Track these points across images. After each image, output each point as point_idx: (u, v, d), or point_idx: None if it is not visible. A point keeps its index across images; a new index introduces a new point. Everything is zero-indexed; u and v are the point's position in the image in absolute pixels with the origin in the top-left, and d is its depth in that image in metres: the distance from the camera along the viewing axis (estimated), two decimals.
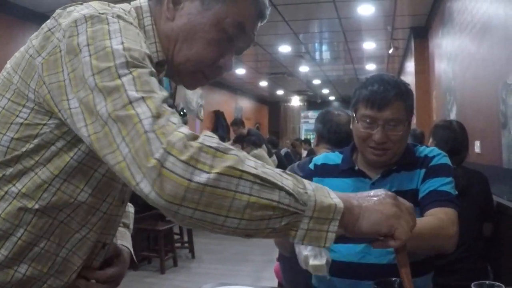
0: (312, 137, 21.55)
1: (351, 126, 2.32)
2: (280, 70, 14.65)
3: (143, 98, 1.11)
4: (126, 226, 1.76)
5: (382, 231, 1.22)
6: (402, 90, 2.20)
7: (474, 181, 3.45)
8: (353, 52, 12.04)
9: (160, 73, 1.43)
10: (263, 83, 17.45)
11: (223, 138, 10.38)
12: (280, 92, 20.08)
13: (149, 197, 1.05)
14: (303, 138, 18.51)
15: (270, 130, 21.28)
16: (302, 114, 22.44)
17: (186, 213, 1.06)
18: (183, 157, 1.05)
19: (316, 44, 11.94)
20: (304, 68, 14.46)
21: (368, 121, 2.19)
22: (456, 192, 2.21)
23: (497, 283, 1.65)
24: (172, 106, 11.79)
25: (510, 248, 3.22)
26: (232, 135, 12.29)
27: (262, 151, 10.04)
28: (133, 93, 1.12)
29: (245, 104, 19.61)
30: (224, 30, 1.41)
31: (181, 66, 1.45)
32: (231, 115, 16.40)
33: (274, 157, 11.05)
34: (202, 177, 1.04)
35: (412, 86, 9.33)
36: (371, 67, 13.84)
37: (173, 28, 1.42)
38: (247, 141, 10.29)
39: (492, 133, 4.00)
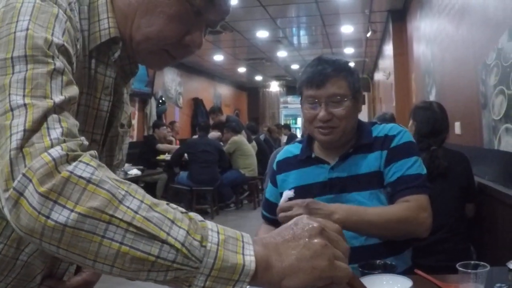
0: (292, 122, 21.62)
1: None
2: (258, 55, 14.63)
3: (25, 105, 0.94)
4: None
5: (318, 285, 1.01)
6: (341, 67, 2.22)
7: (455, 162, 3.45)
8: (331, 36, 12.05)
9: (114, 52, 1.28)
10: (242, 69, 17.41)
11: (207, 126, 10.32)
12: (258, 78, 20.06)
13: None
14: (282, 123, 18.54)
15: (250, 116, 21.28)
16: (281, 100, 22.44)
17: (50, 249, 0.90)
18: (42, 189, 0.87)
19: (294, 29, 11.92)
20: (282, 53, 14.44)
21: (310, 100, 2.22)
22: (425, 171, 2.20)
23: (482, 263, 1.65)
24: (150, 94, 11.74)
25: (492, 227, 3.24)
26: (210, 123, 12.28)
27: (241, 137, 10.06)
28: (17, 98, 0.95)
29: (224, 90, 19.57)
30: (189, 2, 1.23)
31: (141, 46, 1.27)
32: (210, 102, 16.38)
33: (254, 142, 11.06)
34: (61, 216, 0.87)
35: (391, 69, 9.44)
36: (349, 51, 13.87)
37: (130, 2, 1.24)
38: (226, 128, 10.30)
39: (472, 114, 4.01)
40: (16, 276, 1.28)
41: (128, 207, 0.91)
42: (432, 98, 6.05)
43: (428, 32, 6.41)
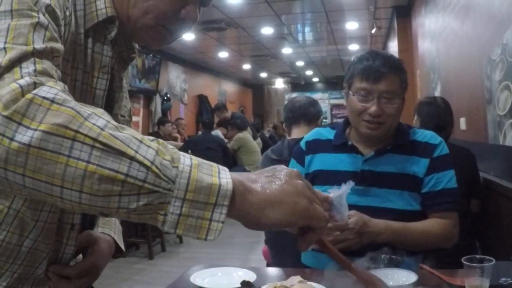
0: None
1: (344, 103, 2.36)
2: (263, 52, 14.58)
3: (5, 49, 0.96)
4: None
5: (299, 223, 1.02)
6: (396, 64, 2.24)
7: (461, 158, 3.45)
8: (335, 32, 12.01)
9: (111, 31, 1.31)
10: (246, 66, 17.39)
11: (211, 122, 10.34)
12: (263, 74, 20.04)
13: None
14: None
15: (255, 113, 21.27)
16: (286, 96, 22.33)
17: (16, 179, 0.88)
18: (6, 112, 0.86)
19: (299, 26, 11.88)
20: (287, 50, 14.41)
21: (363, 93, 2.21)
22: (456, 185, 2.28)
23: (488, 257, 1.66)
24: (155, 91, 11.73)
25: (497, 223, 3.24)
26: (216, 120, 12.27)
27: (246, 134, 10.05)
28: None
29: (229, 87, 19.55)
30: None
31: (139, 22, 1.29)
32: (215, 99, 16.37)
33: (259, 140, 11.07)
34: (25, 136, 0.86)
35: None
36: (354, 47, 13.82)
37: None
38: (231, 125, 10.29)
39: (477, 110, 4.01)
40: (22, 263, 1.28)
41: (94, 124, 0.90)
42: (437, 94, 6.04)
43: (432, 28, 6.40)
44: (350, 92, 2.27)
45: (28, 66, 0.95)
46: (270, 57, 15.38)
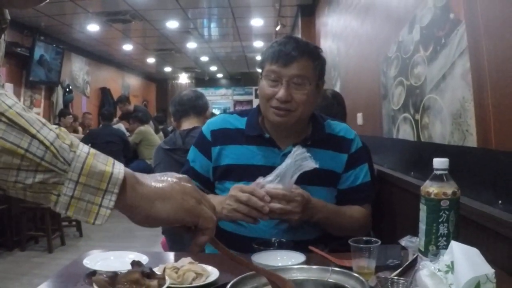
0: None
1: (247, 99, 2.33)
2: (167, 46, 14.49)
3: None
4: None
5: (186, 220, 1.08)
6: (310, 49, 2.15)
7: None
8: (241, 29, 12.10)
9: None
10: (151, 60, 17.22)
11: (111, 114, 10.18)
12: (168, 69, 19.90)
13: None
14: None
15: (158, 108, 21.06)
16: None
17: None
18: None
19: (205, 21, 11.88)
20: (192, 45, 14.37)
21: (273, 77, 2.12)
22: (369, 177, 2.34)
23: (374, 239, 1.73)
24: (57, 82, 11.44)
25: (390, 212, 3.36)
26: (119, 113, 12.09)
27: (148, 127, 9.98)
28: None
29: (133, 81, 19.30)
30: None
31: None
32: (118, 92, 16.11)
33: (161, 133, 10.99)
34: None
35: None
36: (258, 44, 13.95)
37: None
38: (133, 118, 10.19)
39: (373, 105, 4.14)
40: None
41: (2, 101, 0.94)
42: (336, 89, 6.20)
43: (335, 27, 6.56)
44: (261, 76, 2.19)
45: None
46: (175, 51, 15.30)
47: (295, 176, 1.96)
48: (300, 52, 2.10)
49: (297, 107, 2.12)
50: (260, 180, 1.98)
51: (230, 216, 2.00)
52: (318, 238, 2.24)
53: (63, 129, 1.01)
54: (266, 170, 2.06)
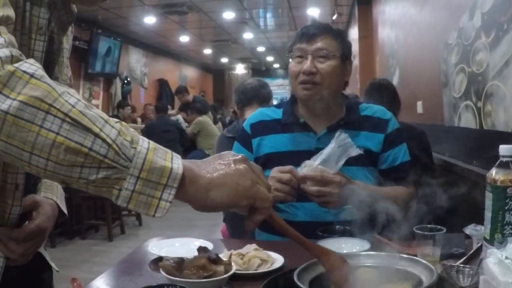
0: None
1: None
2: (224, 37, 14.56)
3: None
4: None
5: (242, 203, 1.09)
6: (332, 29, 2.25)
7: (413, 136, 3.57)
8: (297, 19, 12.04)
9: None
10: (207, 51, 17.32)
11: (165, 106, 10.29)
12: (224, 60, 20.00)
13: None
14: None
15: (215, 98, 21.20)
16: None
17: None
18: None
19: (260, 11, 11.89)
20: (248, 35, 14.40)
21: (299, 54, 2.21)
22: (409, 157, 2.31)
23: (439, 226, 1.72)
24: (115, 74, 11.64)
25: (452, 201, 3.33)
26: (177, 103, 12.21)
27: (206, 118, 10.03)
28: None
29: (190, 72, 19.47)
30: None
31: None
32: (176, 84, 16.28)
33: (220, 124, 11.06)
34: (4, 104, 0.94)
35: (356, 52, 9.48)
36: None
37: None
38: (191, 109, 10.26)
39: (433, 93, 4.09)
40: None
41: (66, 101, 0.97)
42: (395, 79, 6.14)
43: (392, 15, 6.48)
44: (290, 59, 2.27)
45: None
46: (231, 42, 15.35)
47: (341, 162, 1.99)
48: (322, 30, 2.20)
49: (323, 80, 2.17)
50: (307, 162, 2.00)
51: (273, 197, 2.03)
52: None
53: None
54: (303, 155, 2.12)
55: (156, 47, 15.41)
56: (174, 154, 1.06)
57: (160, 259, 1.71)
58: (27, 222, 1.49)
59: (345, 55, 2.24)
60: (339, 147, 1.97)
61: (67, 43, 1.57)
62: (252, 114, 2.46)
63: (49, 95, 0.96)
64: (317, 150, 2.10)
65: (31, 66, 0.99)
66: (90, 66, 10.83)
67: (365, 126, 2.25)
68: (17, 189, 1.40)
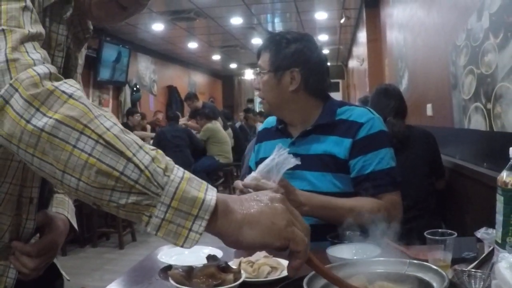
0: None
1: None
2: (232, 43, 14.58)
3: (3, 31, 1.05)
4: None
5: (275, 244, 1.05)
6: (272, 41, 2.30)
7: (421, 139, 3.56)
8: (305, 22, 12.05)
9: (67, 11, 1.34)
10: (216, 57, 17.35)
11: (176, 116, 10.31)
12: (233, 65, 20.01)
13: None
14: (257, 111, 18.53)
15: (225, 104, 21.22)
16: None
17: (26, 157, 0.99)
18: (27, 94, 0.97)
19: (268, 16, 11.89)
20: (256, 40, 14.36)
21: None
22: (395, 163, 2.19)
23: (450, 231, 1.70)
24: (124, 82, 11.68)
25: (463, 204, 3.31)
26: (186, 110, 12.22)
27: (216, 124, 10.03)
28: None
29: (199, 78, 19.50)
30: None
31: None
32: (185, 90, 16.30)
33: (230, 130, 11.06)
34: (41, 121, 0.96)
35: (365, 56, 9.48)
36: (323, 37, 13.87)
37: None
38: (201, 115, 10.26)
39: (443, 95, 4.08)
40: None
41: (101, 123, 0.98)
42: (404, 82, 6.12)
43: (400, 18, 6.46)
44: None
45: (33, 51, 1.05)
46: (240, 47, 15.37)
47: (281, 173, 1.97)
48: (263, 46, 2.33)
49: (264, 95, 2.31)
50: (253, 174, 2.00)
51: None
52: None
53: (160, 151, 1.03)
54: None
55: (165, 54, 15.46)
56: (210, 186, 1.04)
57: (169, 267, 1.71)
58: (37, 237, 1.49)
59: (280, 66, 2.25)
60: (278, 159, 1.96)
61: (81, 59, 1.58)
62: (264, 123, 2.60)
63: (85, 116, 0.98)
64: (293, 154, 2.07)
65: (71, 87, 1.01)
66: (99, 74, 10.87)
67: (336, 131, 2.22)
68: (31, 203, 1.40)
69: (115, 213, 1.01)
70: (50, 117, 0.96)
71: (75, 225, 1.66)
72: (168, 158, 1.04)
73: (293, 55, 2.25)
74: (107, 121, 1.00)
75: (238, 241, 1.03)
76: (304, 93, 2.27)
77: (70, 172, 0.96)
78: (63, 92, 0.98)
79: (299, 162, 1.97)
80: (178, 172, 1.02)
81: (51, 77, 1.00)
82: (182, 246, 0.99)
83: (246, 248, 1.07)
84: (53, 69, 1.02)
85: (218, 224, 1.01)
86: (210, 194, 1.01)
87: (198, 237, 0.99)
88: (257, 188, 1.92)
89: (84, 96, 1.01)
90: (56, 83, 0.99)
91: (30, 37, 1.07)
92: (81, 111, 0.98)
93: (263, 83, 2.28)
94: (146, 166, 0.98)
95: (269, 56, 2.26)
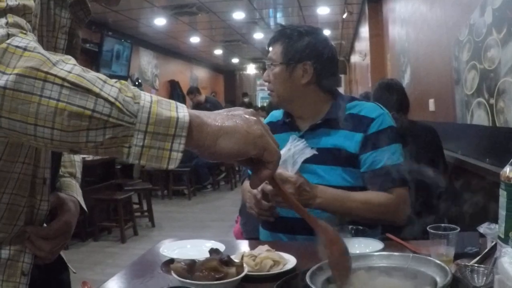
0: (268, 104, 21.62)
1: None
2: (234, 37, 14.58)
3: None
4: (72, 175, 1.71)
5: (251, 153, 1.07)
6: (284, 34, 2.30)
7: (424, 134, 3.56)
8: (307, 17, 12.02)
9: None
10: (218, 52, 17.34)
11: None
12: (235, 60, 20.01)
13: None
14: (259, 106, 18.54)
15: (226, 99, 21.22)
16: (258, 82, 22.41)
17: None
18: None
19: (270, 10, 11.88)
20: (258, 35, 14.39)
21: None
22: (402, 159, 2.20)
23: (452, 225, 1.70)
24: (126, 76, 11.68)
25: (466, 199, 3.31)
26: (188, 104, 12.21)
27: None
28: None
29: (201, 73, 19.50)
30: None
31: None
32: (187, 85, 16.30)
33: None
34: (1, 80, 0.94)
35: (367, 51, 9.47)
36: (325, 32, 13.67)
37: None
38: (202, 109, 10.23)
39: (445, 91, 4.07)
40: (1, 220, 1.29)
41: (61, 68, 0.97)
42: (406, 77, 6.12)
43: (403, 13, 6.46)
44: None
45: (1, 20, 1.01)
46: (242, 42, 15.37)
47: (298, 164, 2.02)
48: (274, 38, 2.33)
49: (274, 87, 2.30)
50: None
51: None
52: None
53: (123, 82, 1.03)
54: None
55: (167, 49, 15.45)
56: (178, 103, 1.05)
57: (171, 261, 1.70)
58: (52, 219, 1.48)
59: (292, 59, 2.26)
60: (295, 149, 2.01)
61: (79, 36, 1.59)
62: (267, 117, 2.58)
63: (44, 64, 0.96)
64: None
65: (23, 39, 0.99)
66: (101, 68, 10.84)
67: (347, 125, 2.22)
68: (45, 184, 1.39)
69: (94, 154, 1.00)
70: (10, 74, 0.94)
71: (84, 206, 1.67)
72: (132, 87, 1.03)
73: (306, 48, 2.26)
74: (67, 65, 0.98)
75: (216, 152, 1.05)
76: (315, 86, 2.27)
77: (42, 123, 0.95)
78: (17, 46, 0.96)
79: (316, 152, 2.02)
80: (146, 97, 1.02)
81: (8, 37, 0.97)
82: (166, 168, 1.01)
83: (224, 159, 1.08)
84: (14, 31, 1.00)
85: (194, 138, 1.03)
86: (182, 111, 1.02)
87: (180, 155, 1.01)
88: (285, 180, 1.99)
89: (39, 46, 0.99)
90: (8, 40, 0.97)
91: (7, 10, 1.04)
92: (39, 60, 0.96)
93: (274, 75, 2.27)
94: (116, 98, 0.97)
95: (281, 49, 2.25)
